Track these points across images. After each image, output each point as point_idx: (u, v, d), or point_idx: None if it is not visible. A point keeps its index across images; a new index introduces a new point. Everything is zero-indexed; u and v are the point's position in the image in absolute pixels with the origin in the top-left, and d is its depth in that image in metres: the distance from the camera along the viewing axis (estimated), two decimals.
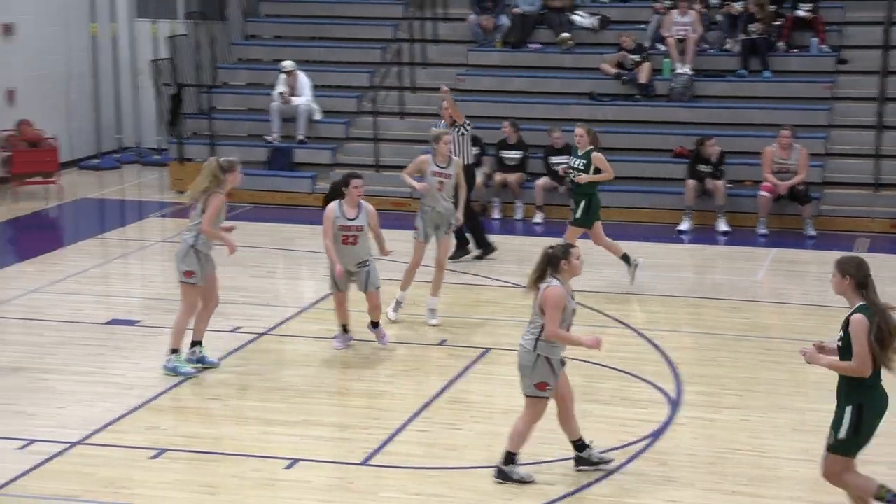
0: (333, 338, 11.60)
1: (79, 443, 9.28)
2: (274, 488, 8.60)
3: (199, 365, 10.90)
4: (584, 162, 13.59)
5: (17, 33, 19.63)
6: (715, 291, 13.86)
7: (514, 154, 17.49)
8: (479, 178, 17.29)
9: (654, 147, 18.00)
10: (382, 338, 11.55)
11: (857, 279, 7.54)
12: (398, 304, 12.56)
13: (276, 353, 11.55)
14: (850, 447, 7.58)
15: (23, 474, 8.72)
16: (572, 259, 8.48)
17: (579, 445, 8.85)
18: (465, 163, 14.38)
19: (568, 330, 8.53)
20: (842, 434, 7.52)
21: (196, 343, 10.92)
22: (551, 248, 8.52)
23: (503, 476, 8.67)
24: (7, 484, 8.57)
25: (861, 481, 7.72)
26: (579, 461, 8.88)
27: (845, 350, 7.48)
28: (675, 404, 10.24)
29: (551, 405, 8.62)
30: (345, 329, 11.56)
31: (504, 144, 17.52)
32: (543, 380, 8.50)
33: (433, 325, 12.26)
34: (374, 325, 11.55)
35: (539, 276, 8.47)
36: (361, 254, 11.27)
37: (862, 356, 7.35)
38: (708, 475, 8.90)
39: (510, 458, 8.67)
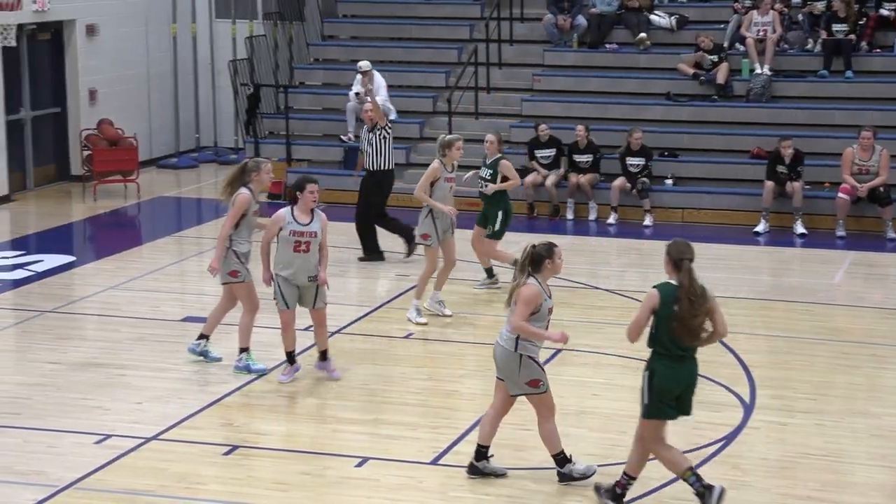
0: (281, 372, 10.64)
1: (153, 438, 9.43)
2: (344, 486, 8.67)
3: (202, 358, 11.09)
4: (491, 172, 13.16)
5: (100, 34, 19.98)
6: (791, 294, 13.70)
7: (584, 157, 17.41)
8: (552, 178, 17.29)
9: (732, 148, 17.83)
10: (332, 372, 10.63)
11: (672, 259, 8.27)
12: (419, 312, 12.34)
13: (348, 352, 11.62)
14: (650, 412, 8.10)
15: (99, 468, 8.88)
16: (556, 258, 8.52)
17: (481, 452, 8.75)
18: (386, 167, 14.50)
19: (546, 328, 8.53)
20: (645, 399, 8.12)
21: (204, 337, 11.12)
22: (535, 246, 8.54)
23: (567, 478, 8.67)
24: (83, 478, 8.72)
25: (669, 455, 8.18)
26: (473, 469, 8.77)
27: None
28: (748, 408, 10.14)
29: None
30: (291, 358, 10.61)
31: (575, 148, 17.47)
32: (534, 377, 8.48)
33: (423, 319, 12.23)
34: (323, 356, 10.61)
35: (522, 274, 8.44)
36: (313, 263, 10.38)
37: (632, 322, 8.15)
38: (781, 479, 8.82)
39: (561, 460, 8.67)
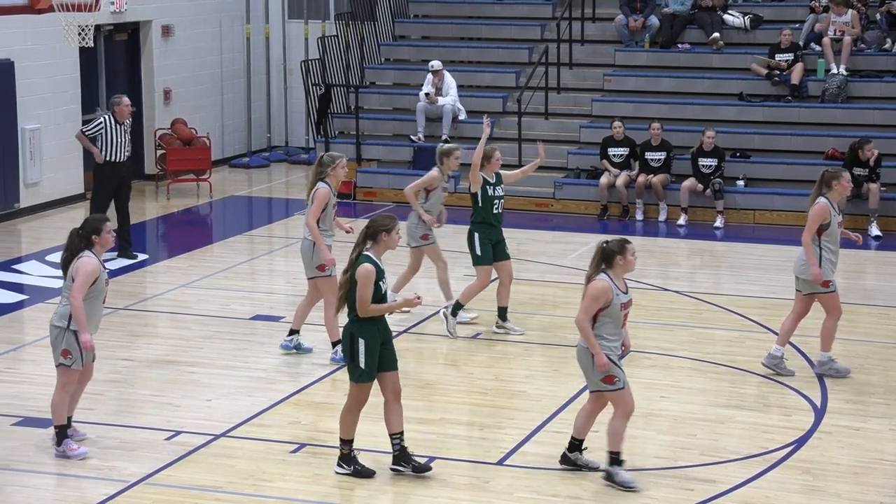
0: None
1: (222, 435, 9.52)
2: (410, 485, 8.67)
3: (295, 352, 11.29)
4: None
5: (175, 34, 20.23)
6: (866, 297, 13.51)
7: (657, 155, 17.31)
8: (622, 178, 17.19)
9: (806, 149, 17.61)
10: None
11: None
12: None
13: (415, 352, 11.65)
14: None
15: (169, 464, 8.97)
16: (627, 255, 8.46)
17: (575, 444, 8.87)
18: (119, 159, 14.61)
19: (623, 326, 8.52)
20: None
21: (295, 332, 11.32)
22: (606, 242, 8.51)
23: (609, 478, 8.60)
24: (154, 473, 8.82)
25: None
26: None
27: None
28: (820, 412, 10.01)
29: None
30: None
31: (648, 145, 17.36)
32: (608, 374, 8.45)
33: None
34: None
35: (595, 270, 8.50)
36: None
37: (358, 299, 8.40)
38: (853, 485, 8.68)
39: (613, 458, 8.60)
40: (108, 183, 14.77)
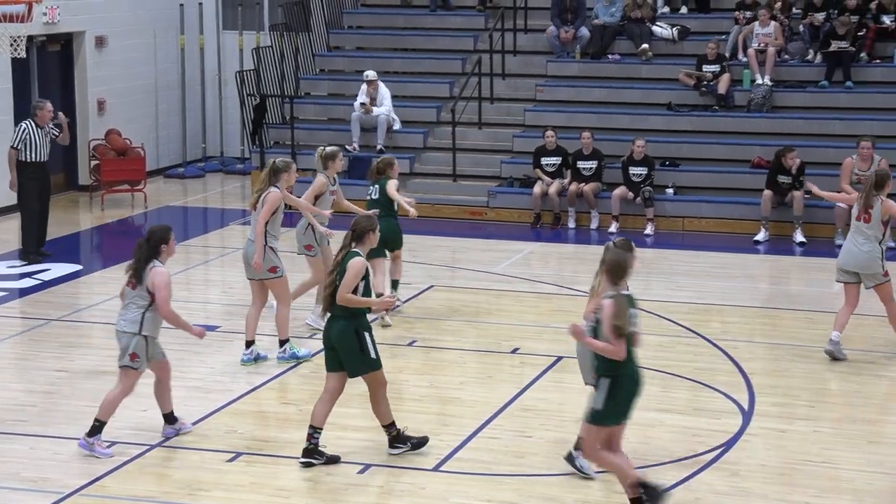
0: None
1: (158, 445, 9.44)
2: (346, 493, 8.67)
3: (254, 363, 11.34)
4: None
5: (109, 45, 20.05)
6: (790, 302, 13.70)
7: (589, 164, 17.44)
8: (555, 187, 17.30)
9: (732, 158, 17.84)
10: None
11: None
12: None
13: None
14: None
15: (104, 475, 8.88)
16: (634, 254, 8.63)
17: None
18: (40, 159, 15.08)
19: None
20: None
21: (251, 342, 11.36)
22: (615, 243, 8.58)
23: (570, 460, 8.93)
24: (88, 485, 8.74)
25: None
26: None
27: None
28: (747, 414, 10.14)
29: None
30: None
31: (580, 154, 17.49)
32: None
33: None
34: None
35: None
36: None
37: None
38: (780, 486, 8.81)
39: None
40: (33, 184, 15.15)
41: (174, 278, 14.49)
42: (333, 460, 9.07)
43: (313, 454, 9.05)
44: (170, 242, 9.35)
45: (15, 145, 15.12)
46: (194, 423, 9.85)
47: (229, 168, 21.63)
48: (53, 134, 15.40)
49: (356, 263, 8.92)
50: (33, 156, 15.05)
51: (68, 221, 17.98)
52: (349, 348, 8.96)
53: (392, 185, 12.63)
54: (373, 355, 9.02)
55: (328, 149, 12.35)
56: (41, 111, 15.17)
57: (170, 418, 9.65)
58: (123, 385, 9.35)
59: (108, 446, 9.32)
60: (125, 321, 9.35)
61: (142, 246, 9.30)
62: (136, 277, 9.26)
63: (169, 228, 9.46)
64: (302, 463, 9.03)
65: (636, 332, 8.06)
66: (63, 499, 8.50)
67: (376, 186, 12.66)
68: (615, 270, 8.16)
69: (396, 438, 9.25)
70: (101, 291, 14.01)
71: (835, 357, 11.44)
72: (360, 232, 9.02)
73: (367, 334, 8.99)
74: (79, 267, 15.25)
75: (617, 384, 7.97)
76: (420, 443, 9.29)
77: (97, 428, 9.27)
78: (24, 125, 15.16)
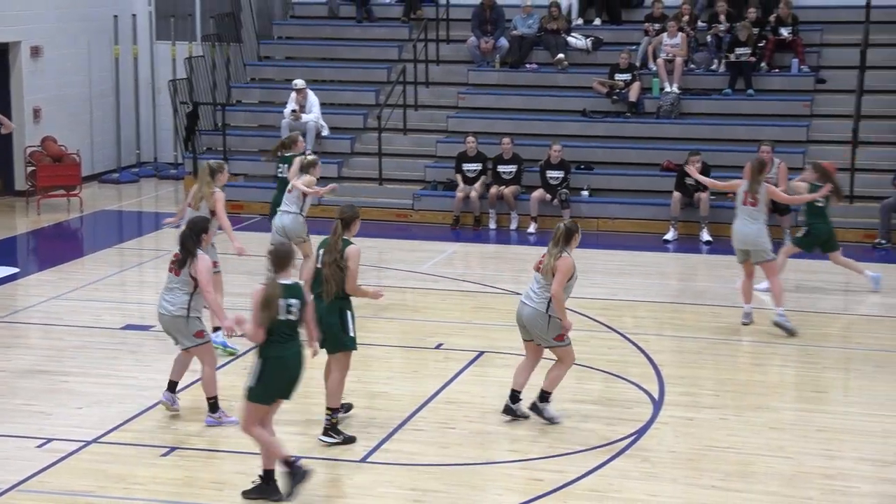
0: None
1: (93, 441, 9.31)
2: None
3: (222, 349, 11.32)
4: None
5: (44, 55, 19.72)
6: (697, 297, 13.87)
7: (509, 168, 17.52)
8: (475, 190, 17.35)
9: (643, 161, 18.03)
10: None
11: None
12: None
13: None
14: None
15: (40, 471, 8.75)
16: (580, 233, 9.53)
17: (515, 396, 9.71)
18: None
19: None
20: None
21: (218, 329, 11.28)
22: (566, 223, 9.52)
23: (536, 410, 9.58)
24: (26, 480, 8.60)
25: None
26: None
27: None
28: (657, 404, 10.25)
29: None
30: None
31: (500, 159, 17.56)
32: (559, 332, 9.44)
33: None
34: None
35: (561, 249, 9.36)
36: None
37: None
38: (688, 471, 8.91)
39: (545, 396, 9.63)
40: None
41: (109, 280, 14.52)
42: (350, 440, 9.29)
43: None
44: (210, 231, 9.89)
45: None
46: (128, 421, 9.72)
47: (163, 173, 21.39)
48: None
49: (354, 252, 9.13)
50: None
51: (5, 226, 17.67)
52: (333, 325, 9.10)
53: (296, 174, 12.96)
54: (352, 334, 9.22)
55: (214, 162, 11.74)
56: None
57: (172, 387, 9.93)
58: (208, 361, 9.71)
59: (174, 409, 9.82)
60: (173, 306, 9.56)
61: (185, 237, 9.51)
62: (181, 266, 9.51)
63: (208, 219, 10.13)
64: (322, 440, 9.26)
65: (293, 320, 8.21)
66: (1, 494, 8.34)
67: (285, 165, 13.53)
68: (278, 260, 8.25)
69: (332, 427, 9.26)
70: (38, 293, 13.79)
71: (783, 327, 12.18)
72: (349, 219, 9.24)
73: (349, 314, 9.19)
74: (16, 270, 15.00)
75: (265, 366, 8.19)
76: (349, 440, 9.29)
77: (214, 405, 9.69)
78: None
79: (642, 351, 11.65)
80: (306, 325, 8.41)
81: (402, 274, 14.75)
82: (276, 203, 13.33)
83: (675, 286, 14.91)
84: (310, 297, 8.84)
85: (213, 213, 11.22)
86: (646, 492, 8.52)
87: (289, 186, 12.96)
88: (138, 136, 21.81)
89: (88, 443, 9.28)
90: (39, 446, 9.21)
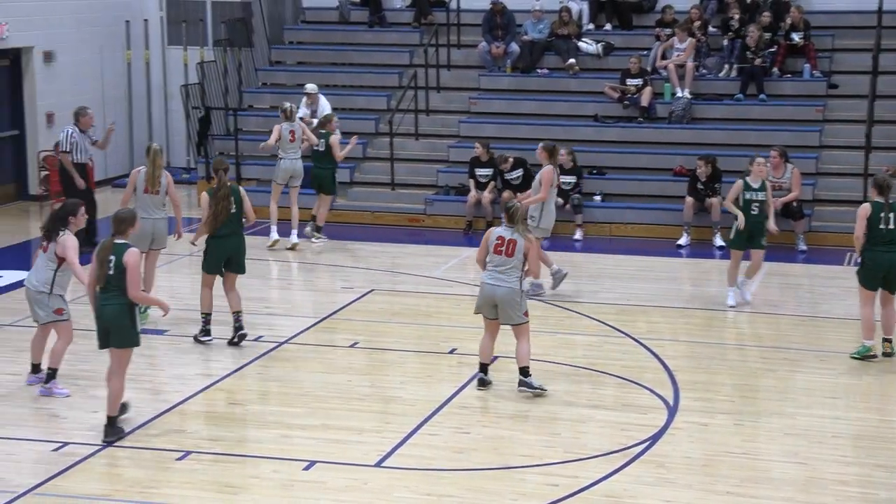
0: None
1: (109, 445, 9.32)
2: (292, 489, 8.62)
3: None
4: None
5: (57, 60, 19.77)
6: (711, 303, 13.83)
7: (515, 174, 17.40)
8: (488, 195, 17.32)
9: (656, 166, 18.00)
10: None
11: None
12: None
13: (296, 361, 11.57)
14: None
15: (57, 475, 8.76)
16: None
17: (484, 367, 10.67)
18: (84, 160, 16.12)
19: None
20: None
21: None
22: (513, 203, 10.52)
23: (526, 385, 10.33)
24: (42, 483, 8.61)
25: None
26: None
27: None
28: (672, 409, 10.23)
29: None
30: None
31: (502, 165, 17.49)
32: (527, 309, 10.37)
33: None
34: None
35: (524, 229, 10.41)
36: None
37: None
38: (703, 476, 8.89)
39: (526, 371, 10.37)
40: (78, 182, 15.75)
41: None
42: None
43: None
44: (77, 215, 10.26)
45: (66, 149, 15.81)
46: (143, 425, 9.73)
47: (175, 178, 21.21)
48: (93, 139, 16.01)
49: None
50: (79, 157, 15.79)
51: (19, 230, 17.70)
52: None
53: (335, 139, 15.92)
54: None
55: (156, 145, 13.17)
56: (84, 117, 15.88)
57: (36, 369, 10.59)
58: (64, 337, 10.39)
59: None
60: (38, 282, 10.26)
61: (52, 217, 10.28)
62: (44, 243, 10.21)
63: (80, 203, 10.41)
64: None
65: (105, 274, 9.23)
66: (17, 498, 8.36)
67: (322, 141, 16.13)
68: (119, 224, 9.48)
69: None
70: None
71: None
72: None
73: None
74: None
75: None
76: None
77: (51, 375, 10.31)
78: (69, 129, 15.85)
79: (656, 356, 11.63)
80: None
81: (416, 279, 14.74)
82: (317, 176, 16.35)
83: (689, 291, 14.88)
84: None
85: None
86: (661, 497, 8.50)
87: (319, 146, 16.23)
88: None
89: (104, 446, 9.28)
90: (55, 450, 9.22)
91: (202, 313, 11.86)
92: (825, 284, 14.60)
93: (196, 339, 11.84)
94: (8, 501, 8.29)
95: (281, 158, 16.31)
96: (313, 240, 16.31)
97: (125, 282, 9.25)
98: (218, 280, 11.84)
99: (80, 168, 15.90)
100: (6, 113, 19.29)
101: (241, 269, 11.81)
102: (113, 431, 9.42)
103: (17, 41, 18.99)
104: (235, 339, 11.72)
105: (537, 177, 13.62)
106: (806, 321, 13.02)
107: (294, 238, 16.06)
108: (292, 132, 16.24)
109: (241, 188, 12.13)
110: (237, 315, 11.77)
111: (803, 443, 9.53)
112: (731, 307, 13.21)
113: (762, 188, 13.30)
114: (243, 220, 11.87)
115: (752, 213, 13.23)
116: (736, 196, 13.31)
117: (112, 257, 9.29)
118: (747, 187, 13.27)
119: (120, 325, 9.33)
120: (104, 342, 9.47)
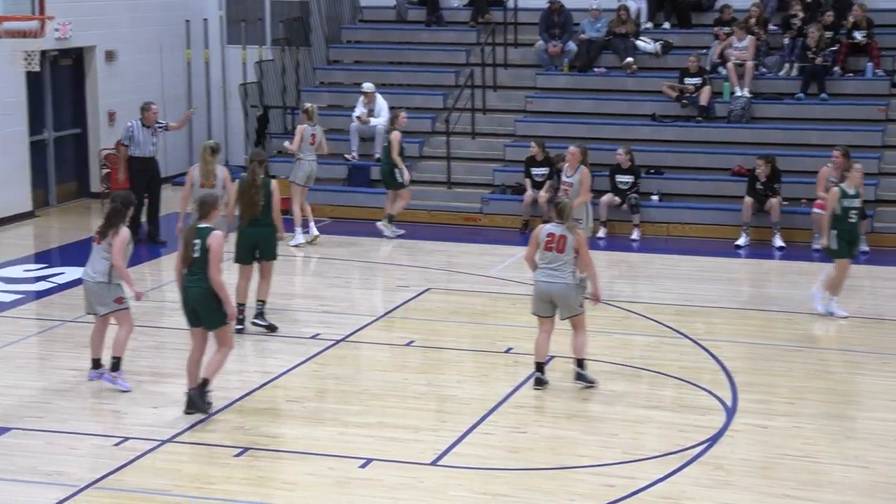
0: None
1: (168, 441, 9.42)
2: (348, 486, 8.65)
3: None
4: None
5: (118, 59, 20.01)
6: (770, 304, 13.70)
7: (541, 171, 17.33)
8: (545, 194, 17.27)
9: (714, 166, 17.86)
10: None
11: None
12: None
13: (352, 359, 11.62)
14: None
15: (117, 469, 8.86)
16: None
17: (540, 367, 10.62)
18: (146, 155, 16.70)
19: None
20: None
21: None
22: (561, 200, 10.78)
23: (582, 378, 10.52)
24: (102, 478, 8.71)
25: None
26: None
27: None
28: (730, 411, 10.14)
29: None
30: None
31: (533, 161, 17.40)
32: (582, 301, 10.50)
33: None
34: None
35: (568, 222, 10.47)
36: None
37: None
38: (761, 479, 8.80)
39: (582, 363, 10.55)
40: (140, 176, 16.38)
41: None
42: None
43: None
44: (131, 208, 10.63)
45: (123, 142, 16.45)
46: (202, 421, 9.81)
47: (234, 176, 21.38)
48: (162, 125, 16.66)
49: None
50: (139, 151, 16.27)
51: (81, 227, 17.93)
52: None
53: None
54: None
55: (212, 143, 14.12)
56: (148, 112, 16.37)
57: (96, 364, 10.67)
58: (125, 325, 10.53)
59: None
60: (98, 273, 10.36)
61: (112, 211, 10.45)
62: (101, 237, 10.36)
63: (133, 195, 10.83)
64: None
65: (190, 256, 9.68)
66: (78, 492, 8.47)
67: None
68: (202, 207, 9.84)
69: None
70: None
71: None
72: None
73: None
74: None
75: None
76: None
77: (116, 364, 10.41)
78: (131, 123, 16.42)
79: (714, 357, 11.53)
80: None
81: (472, 278, 14.74)
82: (383, 170, 16.96)
83: (748, 292, 14.74)
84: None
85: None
86: (718, 500, 8.43)
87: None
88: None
89: (163, 442, 9.38)
90: (116, 445, 9.34)
91: (237, 303, 11.91)
92: (887, 286, 14.40)
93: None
94: (70, 495, 8.41)
95: (301, 160, 16.51)
96: (387, 232, 16.72)
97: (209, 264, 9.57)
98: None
99: (138, 161, 16.35)
100: (69, 111, 19.57)
101: (272, 256, 12.14)
102: (202, 403, 9.80)
103: (80, 41, 19.24)
104: (244, 326, 11.95)
105: (576, 178, 13.57)
106: (867, 322, 12.85)
107: (314, 230, 16.41)
108: (313, 135, 16.55)
109: (272, 181, 12.46)
110: (261, 304, 12.09)
111: (866, 446, 9.40)
112: (843, 317, 12.82)
113: (857, 194, 12.81)
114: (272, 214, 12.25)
115: (851, 220, 12.74)
116: (833, 205, 12.80)
117: (197, 241, 9.67)
118: (844, 194, 12.74)
119: (208, 309, 9.71)
120: (194, 321, 9.88)
